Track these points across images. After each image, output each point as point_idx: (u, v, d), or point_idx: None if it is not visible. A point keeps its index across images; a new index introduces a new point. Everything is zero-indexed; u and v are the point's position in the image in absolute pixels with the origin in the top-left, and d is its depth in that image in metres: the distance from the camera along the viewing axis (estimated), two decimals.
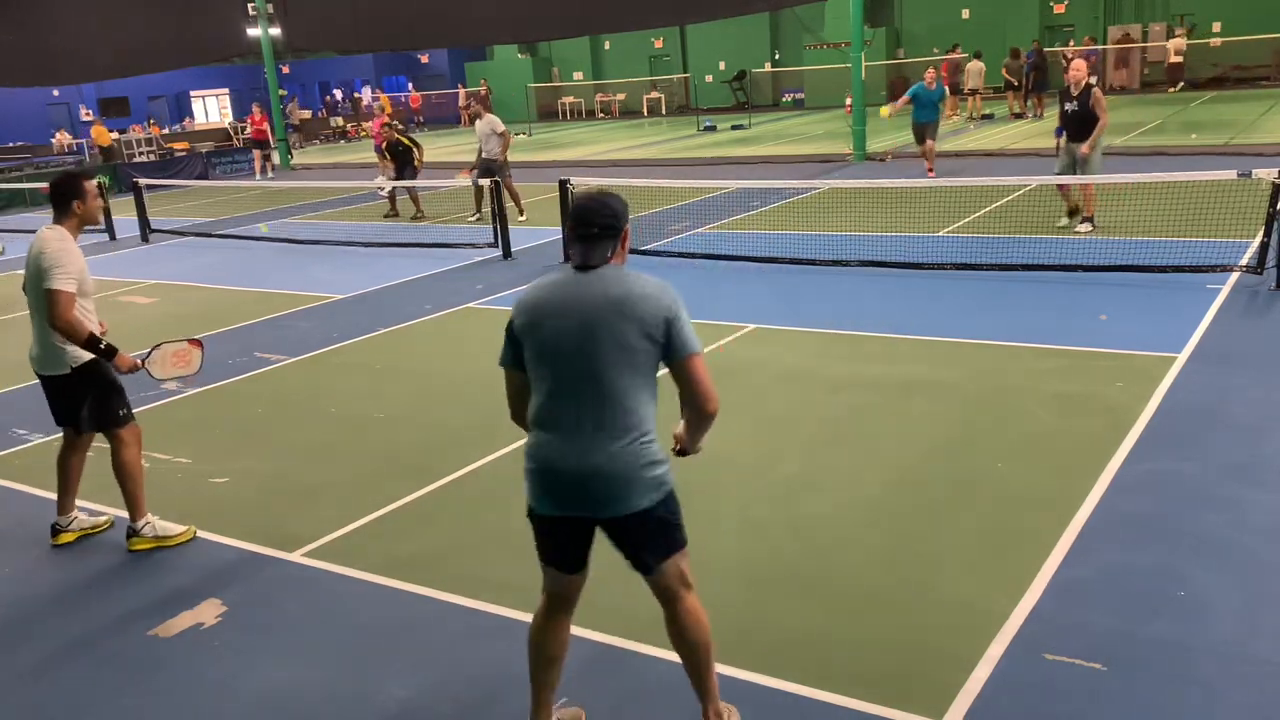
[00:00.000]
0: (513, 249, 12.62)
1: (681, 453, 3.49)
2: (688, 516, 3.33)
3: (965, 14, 34.92)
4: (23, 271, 5.35)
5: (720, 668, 3.81)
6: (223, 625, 4.46)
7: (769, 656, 3.91)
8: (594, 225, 3.26)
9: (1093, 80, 11.35)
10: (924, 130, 16.34)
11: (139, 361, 5.24)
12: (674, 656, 3.54)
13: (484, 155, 14.74)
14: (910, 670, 3.78)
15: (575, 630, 3.60)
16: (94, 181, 5.32)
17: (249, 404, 7.58)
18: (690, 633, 3.34)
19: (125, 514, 5.32)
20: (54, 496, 5.53)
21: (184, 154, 28.66)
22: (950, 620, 4.08)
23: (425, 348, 8.94)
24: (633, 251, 12.66)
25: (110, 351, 5.09)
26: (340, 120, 41.54)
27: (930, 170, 16.29)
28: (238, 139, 33.99)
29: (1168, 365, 6.84)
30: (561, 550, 3.35)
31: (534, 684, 3.46)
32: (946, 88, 17.63)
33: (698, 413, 3.37)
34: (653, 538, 3.28)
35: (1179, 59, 29.70)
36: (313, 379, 8.15)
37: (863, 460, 5.73)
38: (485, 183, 13.28)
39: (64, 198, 5.19)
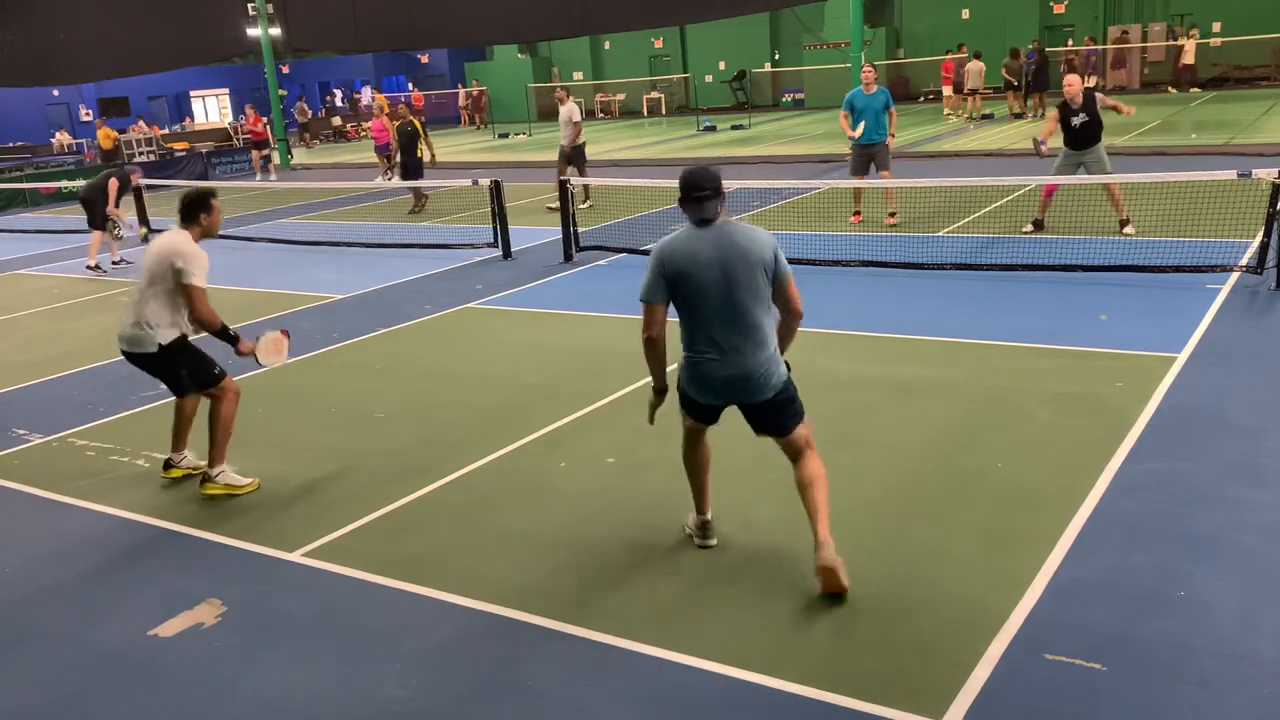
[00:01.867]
0: (513, 249, 12.62)
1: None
2: (687, 517, 3.37)
3: (965, 14, 34.93)
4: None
5: (720, 668, 3.83)
6: (223, 625, 4.46)
7: (770, 656, 3.90)
8: (705, 189, 4.36)
9: (1089, 84, 11.34)
10: (871, 153, 12.48)
11: (253, 348, 5.99)
12: (674, 656, 3.62)
13: (561, 144, 15.66)
14: (910, 670, 3.78)
15: (574, 631, 4.03)
16: (218, 200, 6.14)
17: (249, 404, 7.55)
18: (814, 478, 4.46)
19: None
20: (54, 496, 5.68)
21: (184, 154, 28.65)
22: (950, 620, 4.08)
23: (425, 348, 8.94)
24: (632, 251, 12.62)
25: (236, 339, 5.89)
26: (339, 120, 41.55)
27: (891, 218, 12.67)
28: (238, 139, 34.01)
29: (1168, 365, 6.84)
30: (707, 417, 4.74)
31: (694, 484, 4.83)
32: (888, 90, 12.76)
33: (794, 315, 4.60)
34: (785, 412, 4.55)
35: (1191, 60, 29.09)
36: (313, 379, 8.15)
37: (862, 460, 5.73)
38: (561, 183, 12.64)
39: (192, 210, 5.96)
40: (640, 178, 17.25)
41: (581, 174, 15.47)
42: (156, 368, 5.86)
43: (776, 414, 4.53)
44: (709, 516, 4.88)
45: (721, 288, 4.32)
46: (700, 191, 4.35)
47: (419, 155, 16.58)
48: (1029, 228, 11.64)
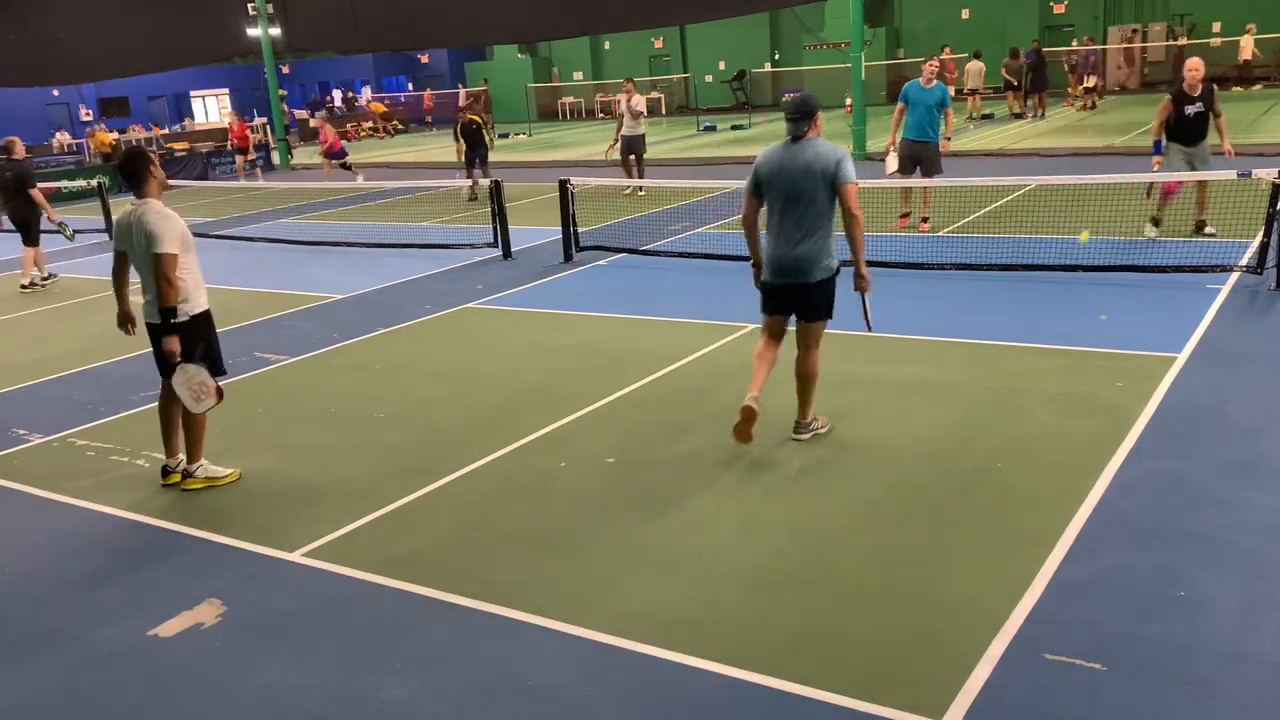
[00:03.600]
0: (513, 249, 12.62)
1: (860, 277, 5.75)
2: (687, 516, 3.55)
3: (965, 14, 34.94)
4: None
5: (720, 668, 3.83)
6: (223, 625, 4.46)
7: (769, 656, 3.90)
8: (799, 112, 5.60)
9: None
10: (919, 153, 11.87)
11: (179, 360, 5.71)
12: (674, 656, 3.70)
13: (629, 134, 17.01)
14: (910, 670, 3.78)
15: (574, 631, 4.11)
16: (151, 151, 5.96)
17: (249, 404, 7.58)
18: (809, 370, 5.85)
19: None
20: (54, 496, 5.66)
21: (184, 154, 28.64)
22: (950, 620, 4.08)
23: (425, 348, 8.93)
24: (632, 251, 12.59)
25: (174, 329, 5.67)
26: (316, 120, 41.39)
27: (924, 224, 12.08)
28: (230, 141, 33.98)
29: (1168, 365, 6.84)
30: (775, 301, 5.83)
31: (756, 375, 5.79)
32: (951, 88, 12.94)
33: (850, 217, 5.51)
34: (816, 301, 5.71)
35: (1249, 55, 28.28)
36: (313, 379, 8.15)
37: (863, 460, 5.72)
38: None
39: (138, 169, 5.79)
40: (640, 178, 17.25)
41: (640, 163, 17.34)
42: (183, 338, 5.76)
43: (810, 299, 5.72)
44: (750, 400, 5.73)
45: (788, 190, 5.57)
46: (793, 114, 5.62)
47: (486, 145, 17.95)
48: (1153, 232, 10.61)
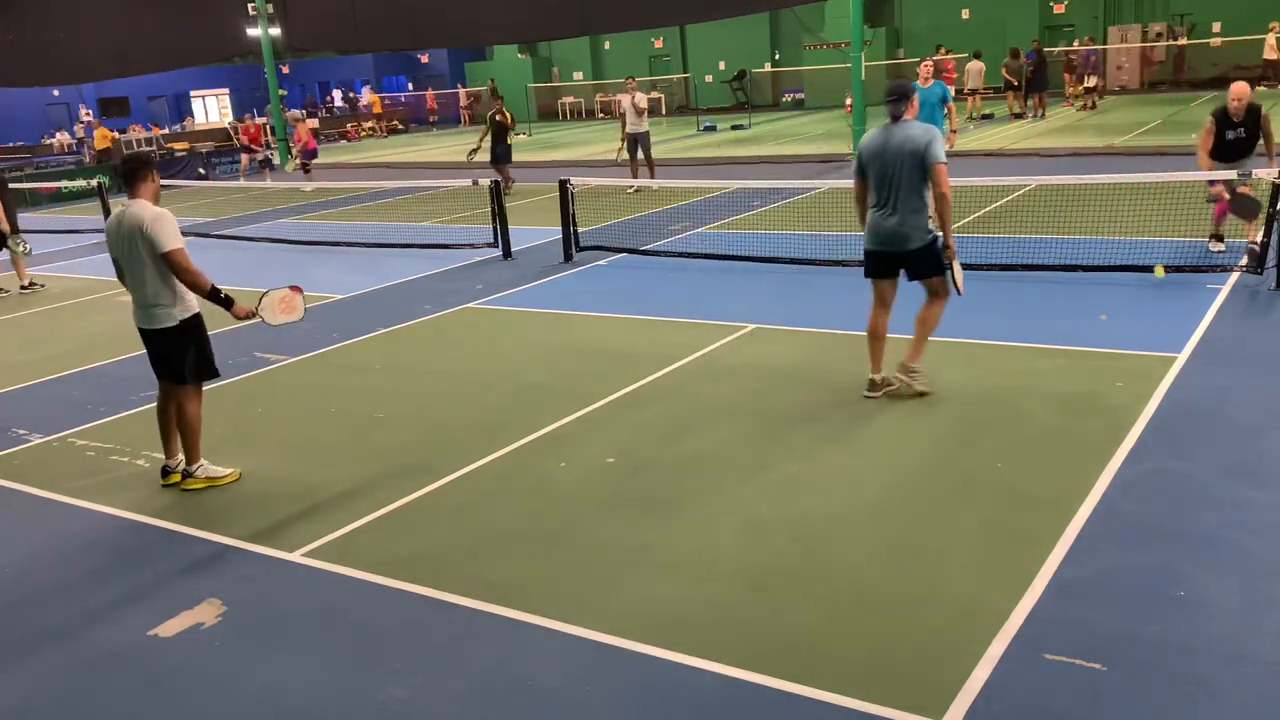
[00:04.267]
0: (513, 249, 12.62)
1: (945, 245, 6.36)
2: (687, 516, 3.58)
3: (965, 14, 34.94)
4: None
5: (720, 668, 3.83)
6: (223, 625, 4.46)
7: (769, 656, 3.90)
8: (895, 95, 6.32)
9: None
10: None
11: (254, 310, 5.82)
12: (674, 656, 3.73)
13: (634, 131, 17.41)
14: (910, 670, 3.78)
15: (574, 631, 4.12)
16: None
17: (249, 404, 7.58)
18: (927, 316, 6.52)
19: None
20: (54, 496, 5.67)
21: (184, 154, 28.64)
22: (950, 620, 4.08)
23: (425, 348, 8.94)
24: (632, 251, 12.58)
25: (229, 301, 5.76)
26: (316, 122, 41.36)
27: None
28: (238, 140, 33.97)
29: (1168, 365, 6.84)
30: (877, 265, 6.56)
31: (872, 354, 6.62)
32: (951, 87, 13.50)
33: (941, 198, 6.21)
34: (923, 264, 6.44)
35: (1275, 55, 27.87)
36: (313, 379, 8.16)
37: (863, 460, 5.73)
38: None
39: (138, 172, 5.76)
40: (640, 178, 17.25)
41: (649, 158, 17.63)
42: (174, 342, 5.78)
43: (917, 263, 6.44)
44: (877, 377, 6.59)
45: (885, 168, 6.27)
46: (893, 98, 6.33)
47: (508, 143, 18.65)
48: (1220, 247, 10.09)
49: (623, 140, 17.59)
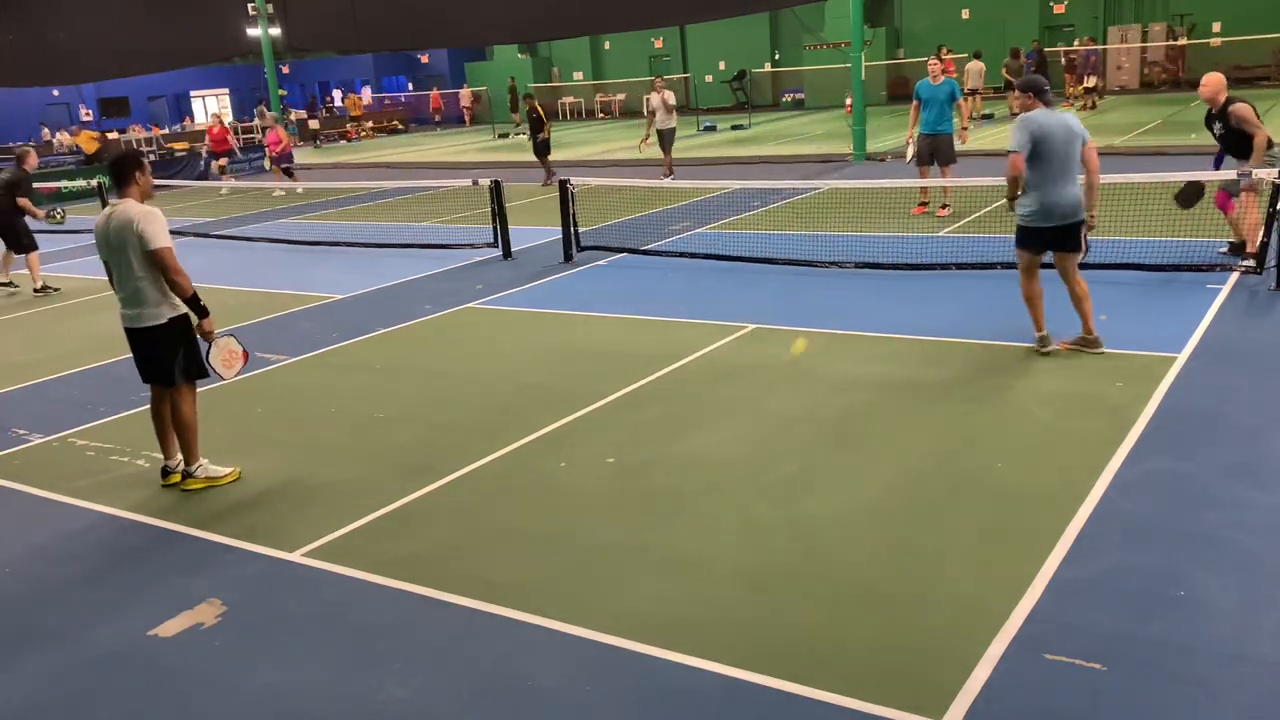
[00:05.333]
0: (513, 249, 12.62)
1: (1091, 216, 7.07)
2: (687, 516, 3.61)
3: (965, 14, 34.92)
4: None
5: (721, 668, 3.83)
6: (223, 625, 4.47)
7: (769, 656, 3.90)
8: (1046, 90, 7.09)
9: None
10: (934, 144, 12.87)
11: (215, 335, 5.93)
12: (674, 656, 3.79)
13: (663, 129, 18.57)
14: (910, 670, 3.78)
15: (574, 631, 4.12)
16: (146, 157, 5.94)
17: (249, 404, 7.58)
18: (1080, 295, 7.18)
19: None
20: (54, 496, 5.68)
21: (184, 154, 28.63)
22: (950, 620, 4.08)
23: (425, 348, 8.94)
24: (632, 251, 12.61)
25: (204, 312, 5.83)
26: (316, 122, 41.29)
27: (943, 209, 13.06)
28: (237, 139, 33.93)
29: (1168, 365, 6.84)
30: (1041, 239, 7.12)
31: (1032, 311, 7.29)
32: (957, 83, 13.38)
33: (1088, 169, 7.02)
34: (1074, 235, 7.02)
35: None
36: (313, 379, 8.16)
37: (863, 460, 5.73)
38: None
39: (128, 169, 5.74)
40: (640, 178, 17.26)
41: (667, 154, 18.74)
42: (162, 341, 5.78)
43: (1068, 234, 7.01)
44: (1045, 333, 7.26)
45: (1057, 147, 6.86)
46: (1047, 88, 7.14)
47: (544, 137, 19.56)
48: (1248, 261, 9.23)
49: (647, 135, 18.68)
